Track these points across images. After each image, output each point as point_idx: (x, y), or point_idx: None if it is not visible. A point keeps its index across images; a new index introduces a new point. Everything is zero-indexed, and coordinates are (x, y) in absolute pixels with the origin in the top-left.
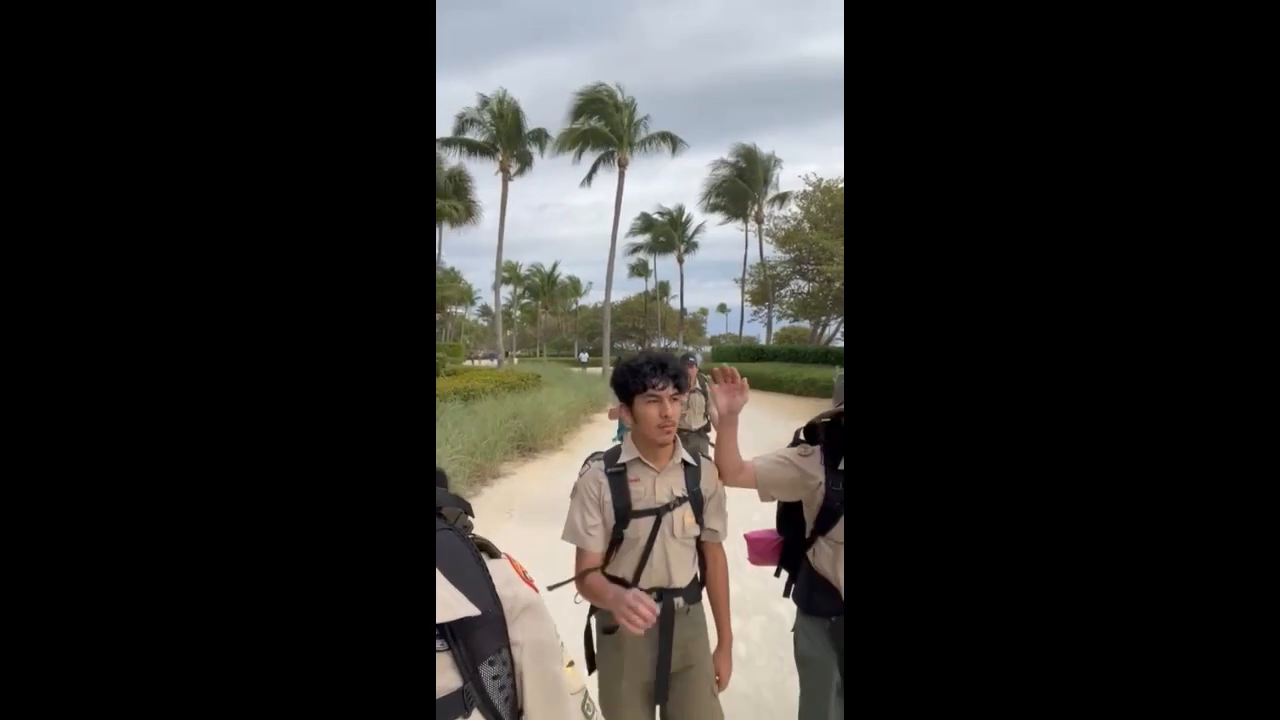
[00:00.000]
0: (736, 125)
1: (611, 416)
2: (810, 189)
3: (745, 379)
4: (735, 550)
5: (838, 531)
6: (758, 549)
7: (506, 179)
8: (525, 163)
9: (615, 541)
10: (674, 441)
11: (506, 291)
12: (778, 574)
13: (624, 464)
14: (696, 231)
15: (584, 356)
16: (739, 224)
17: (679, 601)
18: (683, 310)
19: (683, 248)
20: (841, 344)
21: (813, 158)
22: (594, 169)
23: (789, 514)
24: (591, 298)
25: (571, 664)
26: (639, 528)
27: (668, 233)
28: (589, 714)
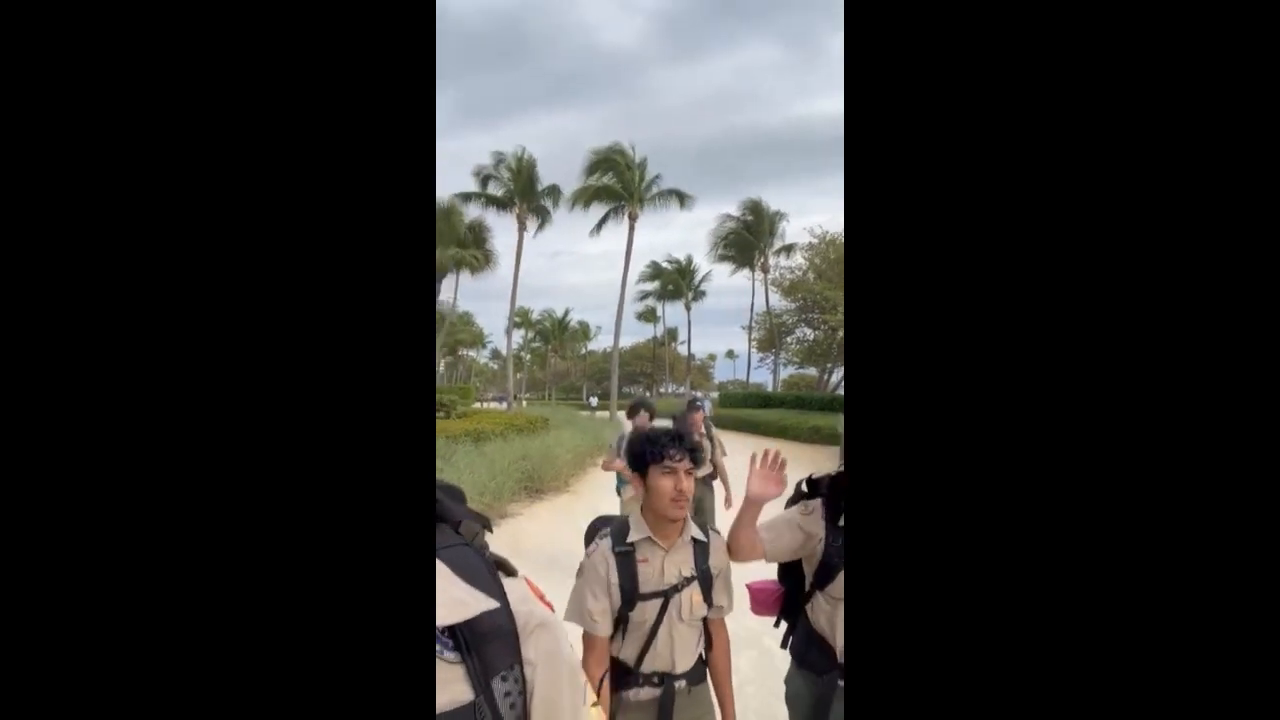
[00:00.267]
0: (744, 179)
1: (605, 468)
2: (815, 241)
3: (785, 472)
4: (736, 599)
5: (835, 587)
6: (759, 599)
7: (522, 231)
8: (542, 217)
9: (619, 622)
10: (684, 516)
11: (518, 336)
12: (777, 624)
13: (633, 544)
14: (703, 280)
15: (593, 401)
16: (746, 273)
17: (680, 685)
18: (690, 356)
19: (690, 295)
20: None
21: (820, 209)
22: (603, 221)
23: (790, 566)
24: (600, 342)
25: (596, 704)
26: (645, 610)
27: (676, 281)
28: None
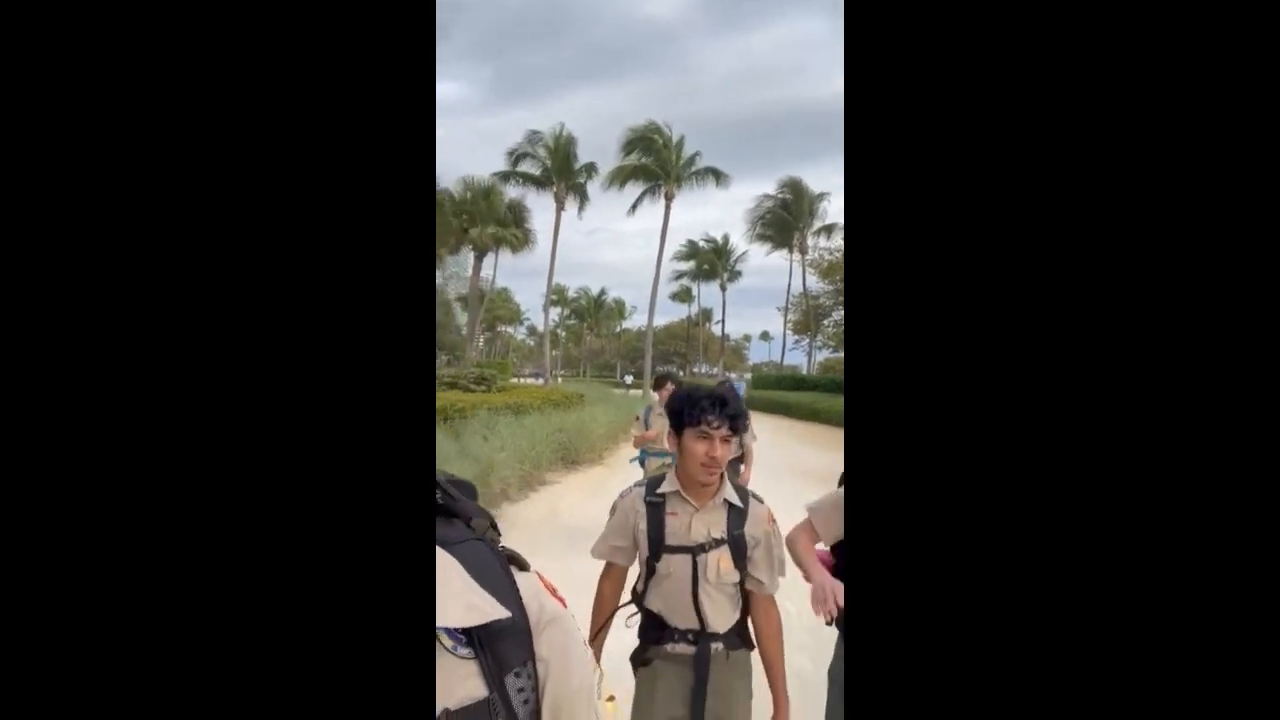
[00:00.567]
0: (784, 156)
1: (636, 444)
2: None
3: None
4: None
5: None
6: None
7: (560, 209)
8: (581, 195)
9: (649, 572)
10: (720, 478)
11: (554, 313)
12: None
13: (663, 495)
14: (739, 260)
15: (628, 379)
16: (784, 254)
17: (717, 647)
18: (724, 337)
19: (725, 276)
20: None
21: None
22: (638, 201)
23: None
24: (635, 320)
25: (612, 699)
26: (670, 564)
27: (712, 261)
28: None
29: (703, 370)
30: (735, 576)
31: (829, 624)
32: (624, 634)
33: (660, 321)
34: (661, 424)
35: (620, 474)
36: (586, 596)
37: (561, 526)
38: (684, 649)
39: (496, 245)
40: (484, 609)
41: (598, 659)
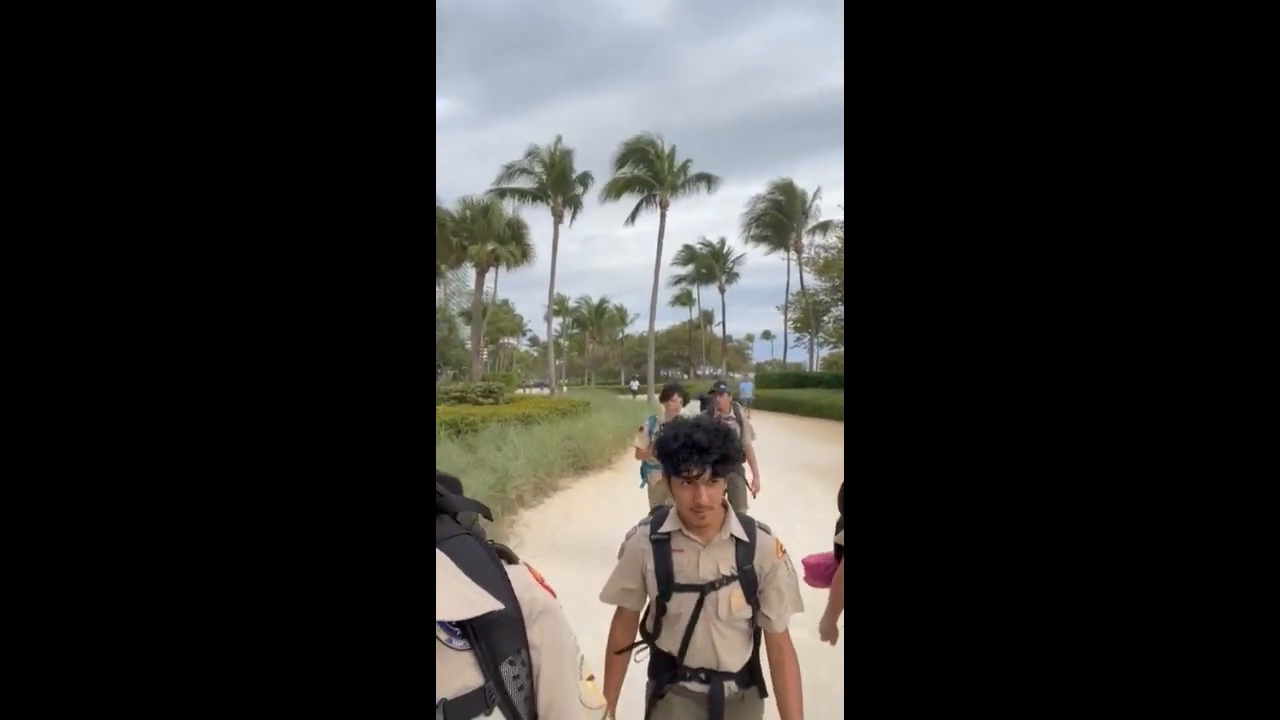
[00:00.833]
0: (778, 154)
1: (639, 457)
2: None
3: None
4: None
5: None
6: (815, 572)
7: (558, 223)
8: (576, 207)
9: (661, 611)
10: (725, 511)
11: (556, 323)
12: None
13: (668, 533)
14: (737, 262)
15: (635, 385)
16: (781, 253)
17: (731, 686)
18: (725, 338)
19: (724, 278)
20: None
21: None
22: (636, 210)
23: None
24: (637, 326)
25: (592, 678)
26: (681, 602)
27: (709, 265)
28: None
29: (706, 372)
30: (748, 613)
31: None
32: (631, 669)
33: (662, 326)
34: None
35: (628, 476)
36: (597, 590)
37: (574, 527)
38: (696, 687)
39: (496, 262)
40: (478, 602)
41: (613, 705)
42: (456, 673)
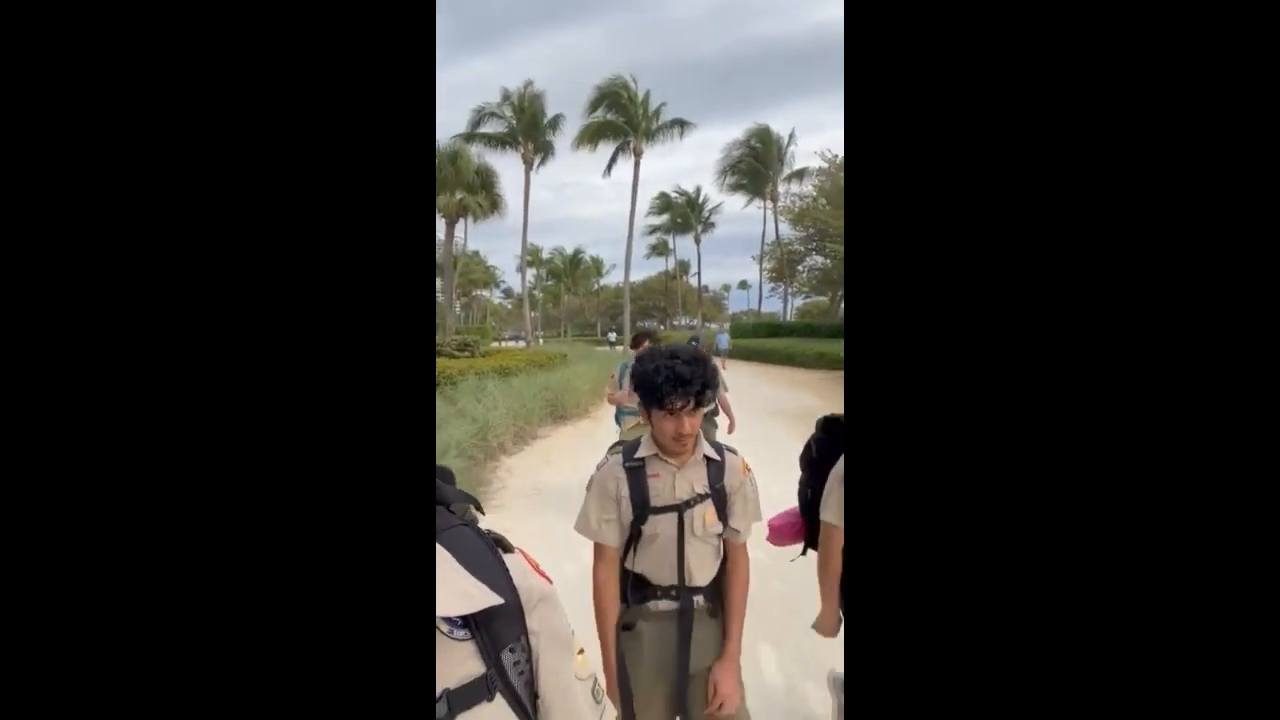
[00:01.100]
0: (757, 95)
1: (612, 401)
2: (825, 165)
3: None
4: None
5: None
6: (780, 532)
7: (529, 170)
8: (547, 153)
9: (633, 538)
10: (696, 435)
11: (530, 274)
12: (804, 553)
13: (642, 459)
14: (714, 212)
15: (612, 336)
16: (759, 202)
17: (699, 600)
18: (701, 288)
19: (699, 228)
20: None
21: (836, 124)
22: (612, 160)
23: (815, 501)
24: (613, 277)
25: (582, 651)
26: (657, 524)
27: (685, 214)
28: (597, 699)
29: (683, 322)
30: (719, 528)
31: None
32: (584, 598)
33: (638, 276)
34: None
35: (605, 425)
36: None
37: (553, 474)
38: (667, 605)
39: (465, 213)
40: (478, 597)
41: (613, 682)
42: (459, 662)
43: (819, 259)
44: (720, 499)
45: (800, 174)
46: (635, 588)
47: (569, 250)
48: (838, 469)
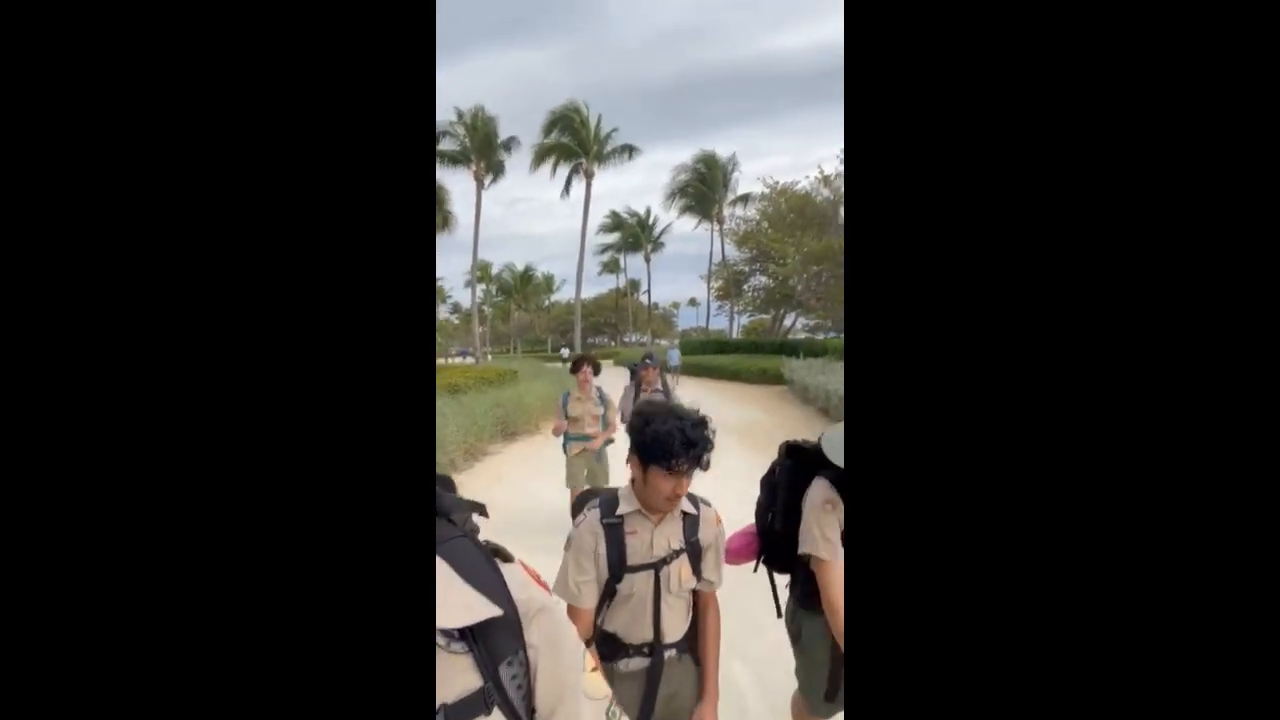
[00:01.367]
0: (704, 120)
1: (556, 433)
2: (767, 191)
3: None
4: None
5: None
6: (738, 553)
7: (480, 188)
8: (498, 171)
9: (608, 595)
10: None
11: (479, 289)
12: (755, 570)
13: (621, 516)
14: (664, 232)
15: (565, 353)
16: (706, 224)
17: (670, 654)
18: (651, 306)
19: (649, 247)
20: (797, 336)
21: (780, 150)
22: (568, 182)
23: (774, 527)
24: (564, 293)
25: (596, 669)
26: (633, 583)
27: (636, 234)
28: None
29: (634, 339)
30: (694, 583)
31: None
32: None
33: (589, 293)
34: (582, 409)
35: (556, 442)
36: (527, 531)
37: (505, 488)
38: (638, 663)
39: None
40: (477, 609)
41: None
42: (456, 675)
43: (762, 279)
44: (695, 553)
45: (744, 199)
46: (604, 646)
47: (519, 266)
48: (811, 498)
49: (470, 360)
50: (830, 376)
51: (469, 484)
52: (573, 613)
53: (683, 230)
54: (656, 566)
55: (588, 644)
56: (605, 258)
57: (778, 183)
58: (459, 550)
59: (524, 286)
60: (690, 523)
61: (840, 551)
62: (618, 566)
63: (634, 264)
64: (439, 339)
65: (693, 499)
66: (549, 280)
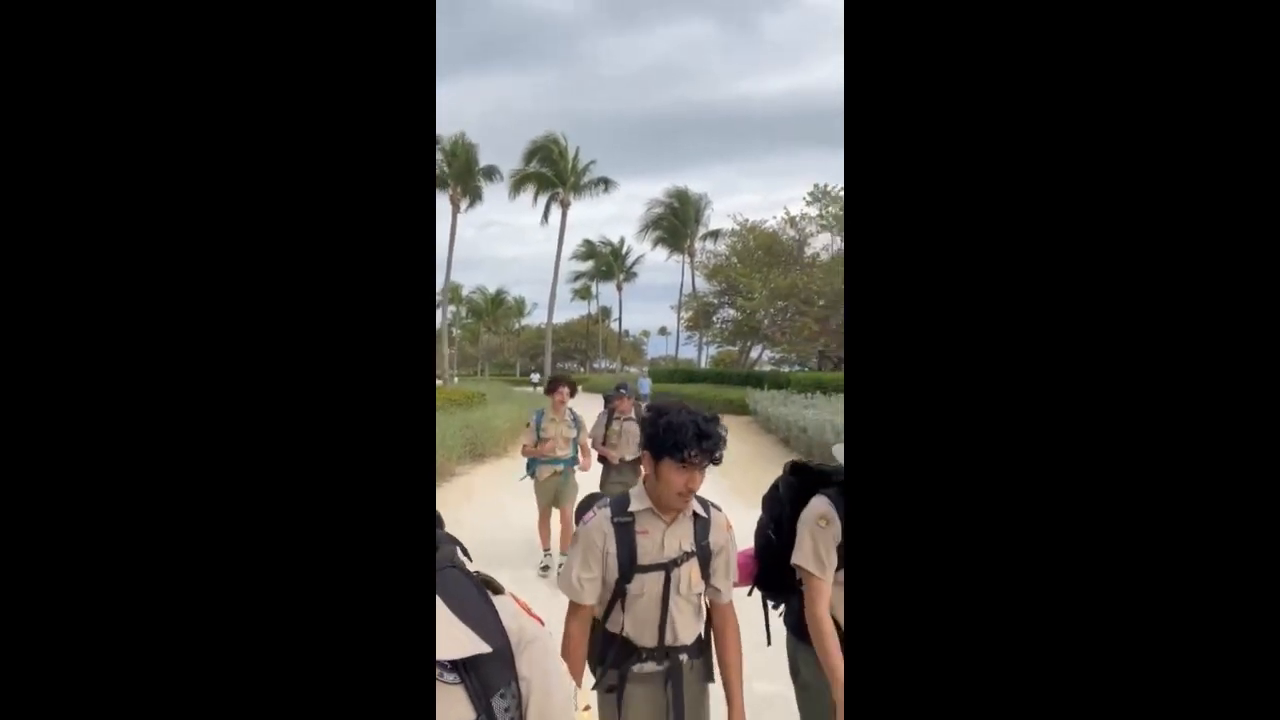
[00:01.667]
0: (679, 154)
1: (525, 452)
2: (737, 228)
3: None
4: None
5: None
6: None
7: (456, 212)
8: (476, 197)
9: (618, 595)
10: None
11: (450, 310)
12: (750, 593)
13: (633, 513)
14: (636, 262)
15: (535, 377)
16: (678, 256)
17: (684, 659)
18: (622, 334)
19: (622, 277)
20: (763, 369)
21: (750, 189)
22: (547, 210)
23: (769, 543)
24: (535, 317)
25: (588, 708)
26: (644, 583)
27: (608, 263)
28: None
29: (603, 365)
30: (702, 587)
31: None
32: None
33: (560, 319)
34: (555, 429)
35: (523, 463)
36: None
37: (474, 508)
38: (652, 667)
39: None
40: (468, 643)
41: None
42: (450, 707)
43: (731, 312)
44: (704, 557)
45: (715, 234)
46: (617, 649)
47: (490, 289)
48: (807, 514)
49: (439, 382)
50: (791, 408)
51: (439, 502)
52: (573, 609)
53: (655, 260)
54: (667, 567)
55: (590, 646)
56: (578, 284)
57: (747, 220)
58: (450, 581)
59: (495, 309)
60: (701, 525)
61: (830, 570)
62: (628, 566)
63: (606, 291)
64: None
65: (703, 502)
66: (520, 304)
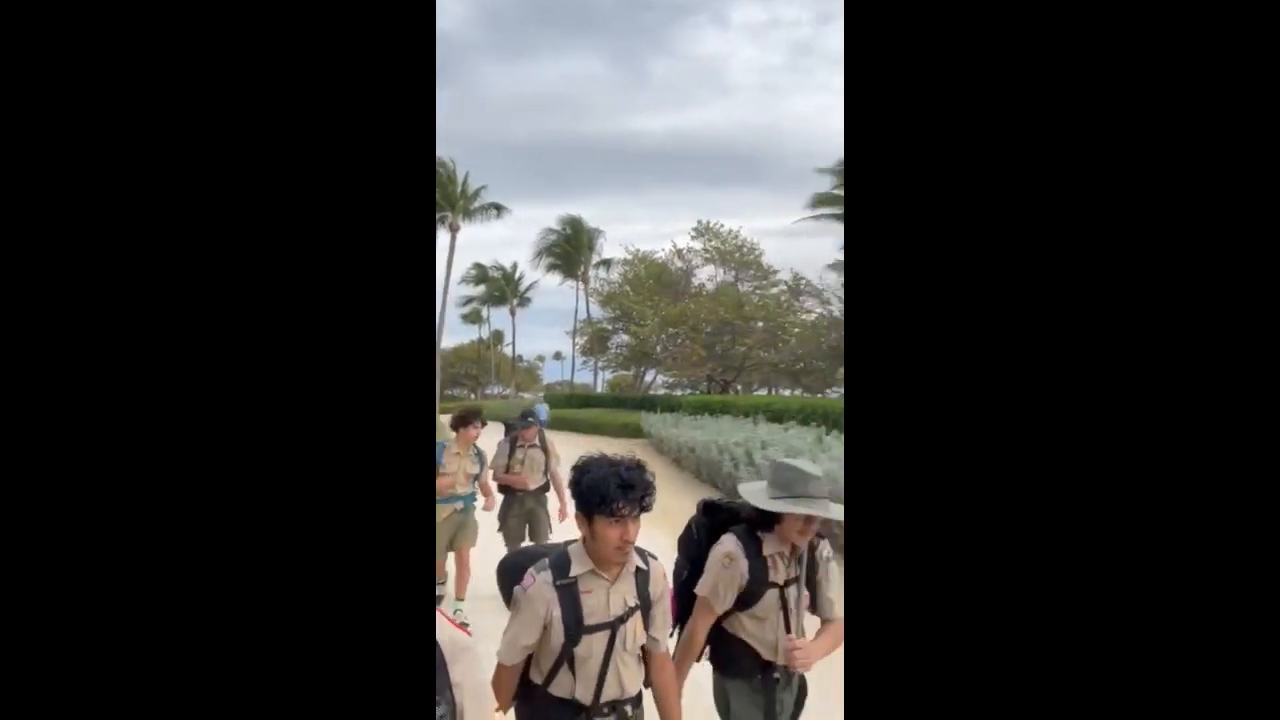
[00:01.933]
0: (569, 182)
1: (441, 494)
2: (629, 257)
3: None
4: None
5: (760, 607)
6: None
7: None
8: None
9: (562, 659)
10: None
11: None
12: (672, 634)
13: (575, 576)
14: (530, 288)
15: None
16: (572, 282)
17: (627, 710)
18: (515, 358)
19: (515, 302)
20: (656, 393)
21: (644, 218)
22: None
23: (686, 585)
24: None
25: (465, 625)
26: (591, 644)
27: (501, 288)
28: None
29: (495, 391)
30: (644, 638)
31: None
32: None
33: (449, 343)
34: (457, 465)
35: None
36: None
37: None
38: None
39: None
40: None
41: None
42: None
43: (625, 337)
44: (647, 609)
45: (607, 263)
46: (573, 712)
47: None
48: (715, 551)
49: None
50: (683, 430)
51: None
52: (499, 669)
53: (549, 285)
54: (613, 625)
55: (531, 712)
56: (467, 309)
57: (638, 250)
58: None
59: None
60: (642, 578)
61: (723, 606)
62: (575, 629)
63: (498, 316)
64: None
65: (642, 554)
66: None
